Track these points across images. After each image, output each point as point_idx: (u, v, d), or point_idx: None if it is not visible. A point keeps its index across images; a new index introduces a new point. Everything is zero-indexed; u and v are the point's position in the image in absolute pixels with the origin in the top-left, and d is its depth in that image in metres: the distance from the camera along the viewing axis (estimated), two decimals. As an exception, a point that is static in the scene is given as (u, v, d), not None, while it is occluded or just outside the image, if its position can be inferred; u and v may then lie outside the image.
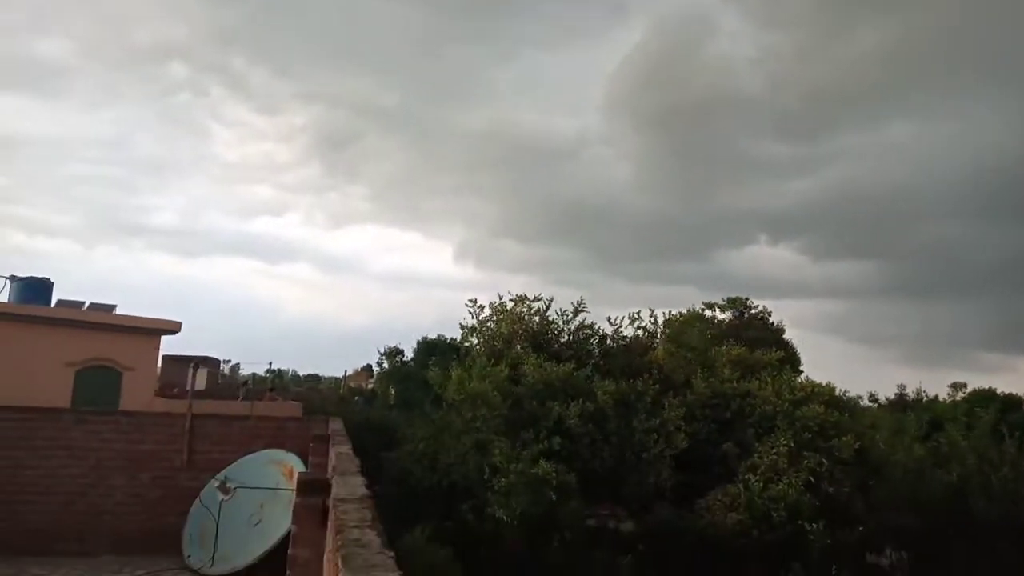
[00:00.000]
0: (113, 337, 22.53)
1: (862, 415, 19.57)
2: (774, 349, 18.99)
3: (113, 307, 24.45)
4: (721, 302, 28.88)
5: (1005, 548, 12.93)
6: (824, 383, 15.15)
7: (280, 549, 8.46)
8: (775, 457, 13.05)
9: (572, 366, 13.79)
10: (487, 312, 15.53)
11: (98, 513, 10.84)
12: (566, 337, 15.45)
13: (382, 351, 32.55)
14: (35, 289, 23.60)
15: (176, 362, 27.55)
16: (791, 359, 22.85)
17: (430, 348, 27.71)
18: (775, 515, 12.21)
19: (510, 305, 15.37)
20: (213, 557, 9.99)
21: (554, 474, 11.45)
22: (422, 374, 20.42)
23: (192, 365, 15.51)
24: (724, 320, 27.98)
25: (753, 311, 28.71)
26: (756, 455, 13.34)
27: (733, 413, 14.37)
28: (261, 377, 34.71)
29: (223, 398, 24.27)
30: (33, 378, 19.38)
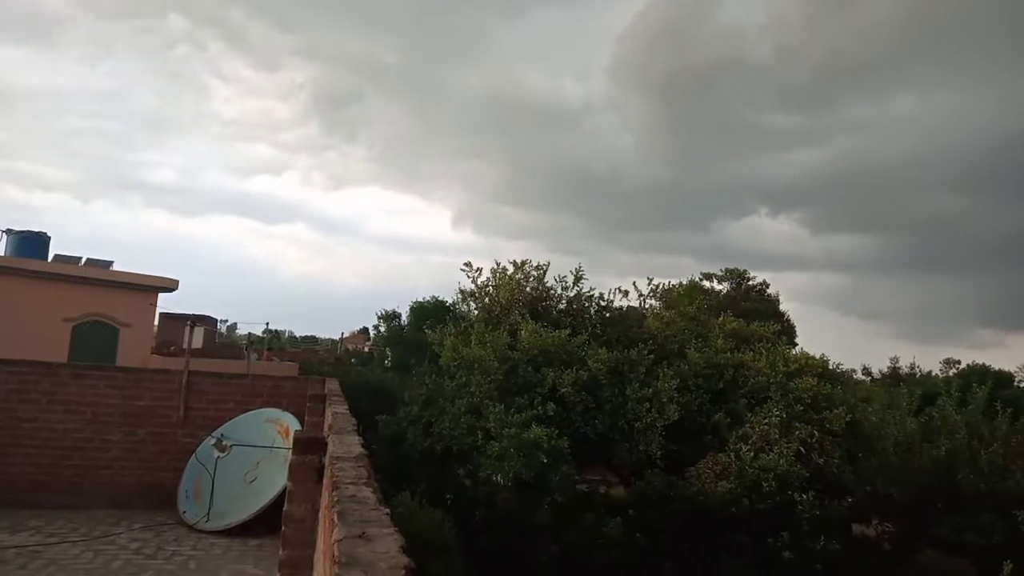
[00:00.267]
0: (110, 293, 22.57)
1: (855, 388, 19.69)
2: (772, 322, 19.06)
3: (110, 263, 24.46)
4: (719, 273, 28.93)
5: (991, 521, 13.11)
6: (818, 356, 15.25)
7: (275, 506, 8.55)
8: (766, 427, 13.16)
9: (568, 333, 13.81)
10: (486, 276, 15.49)
11: (95, 467, 10.92)
12: (564, 304, 15.45)
13: (380, 314, 32.60)
14: (32, 243, 23.55)
15: (173, 320, 27.60)
16: (787, 332, 22.95)
17: (425, 312, 27.71)
18: (765, 484, 12.35)
19: (510, 271, 15.32)
20: (209, 513, 10.10)
21: (546, 438, 11.54)
22: (418, 337, 20.47)
23: (189, 323, 15.51)
24: (721, 291, 28.04)
25: (751, 283, 28.77)
26: (748, 425, 13.45)
27: (726, 383, 14.45)
28: (258, 337, 34.77)
29: (221, 357, 24.35)
30: (30, 332, 19.43)
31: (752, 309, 24.36)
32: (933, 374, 32.68)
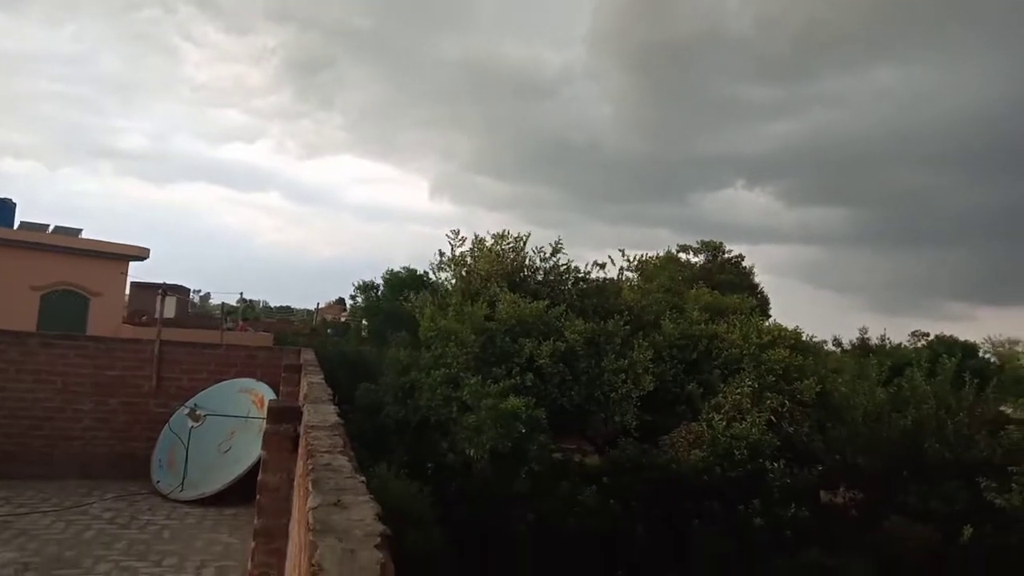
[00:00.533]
0: (79, 261, 22.13)
1: (826, 359, 20.02)
2: (746, 294, 19.24)
3: (79, 231, 23.95)
4: (695, 245, 29.06)
5: (955, 489, 13.48)
6: (791, 328, 15.46)
7: (250, 476, 8.50)
8: (739, 397, 13.35)
9: (546, 303, 13.83)
10: (467, 246, 15.40)
11: (65, 437, 10.77)
12: (542, 276, 15.45)
13: (357, 284, 32.38)
14: (-4, 210, 22.95)
15: (144, 289, 27.21)
16: (761, 304, 23.19)
17: (400, 283, 27.53)
18: (737, 453, 12.56)
19: (489, 242, 15.25)
20: (183, 483, 10.03)
21: (524, 409, 11.59)
22: (395, 307, 20.37)
23: (160, 292, 15.26)
24: (697, 263, 28.20)
25: (726, 255, 28.95)
26: (721, 395, 13.64)
27: (700, 354, 14.61)
28: (232, 307, 34.40)
29: (194, 327, 24.08)
30: (-4, 301, 19.01)
31: (727, 281, 24.57)
32: (902, 346, 33.22)
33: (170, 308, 23.43)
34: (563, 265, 15.56)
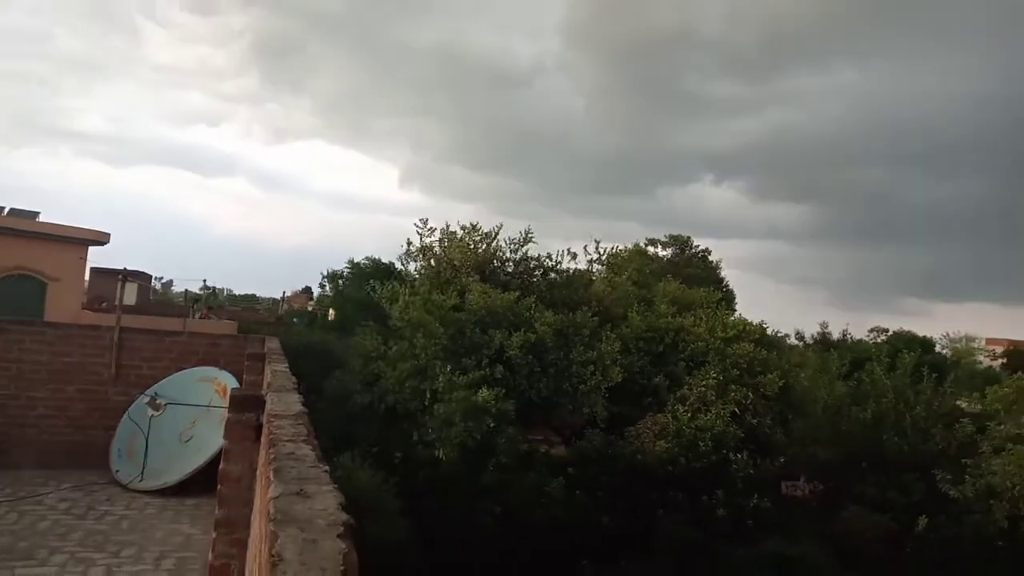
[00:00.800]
0: (36, 246, 21.53)
1: (789, 353, 20.35)
2: (712, 288, 19.45)
3: (36, 214, 23.31)
4: (664, 239, 29.29)
5: (912, 481, 13.82)
6: (756, 322, 15.67)
7: (212, 466, 8.36)
8: (704, 390, 13.52)
9: (516, 295, 13.81)
10: (436, 236, 15.27)
11: (20, 425, 10.49)
12: (512, 267, 15.42)
13: (325, 274, 32.03)
14: (-51, 191, 22.21)
15: (105, 275, 26.59)
16: (727, 298, 23.48)
17: (364, 273, 27.21)
18: (701, 444, 12.72)
19: (460, 233, 15.15)
20: (143, 472, 9.84)
21: (494, 402, 11.58)
22: (360, 296, 20.19)
23: (120, 277, 14.91)
24: (665, 257, 28.44)
25: (693, 250, 29.24)
26: (686, 387, 13.80)
27: (666, 347, 14.74)
28: (195, 294, 33.78)
29: (157, 314, 23.62)
30: (-52, 285, 18.43)
31: (694, 275, 24.82)
32: (863, 341, 33.86)
33: (131, 294, 22.93)
34: (533, 256, 15.54)
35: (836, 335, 34.27)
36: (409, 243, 15.42)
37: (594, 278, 16.76)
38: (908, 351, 16.70)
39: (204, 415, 10.15)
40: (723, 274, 29.46)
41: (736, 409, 13.33)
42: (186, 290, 35.44)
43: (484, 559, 11.48)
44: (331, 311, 31.91)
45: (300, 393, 5.48)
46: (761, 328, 15.48)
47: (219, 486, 4.93)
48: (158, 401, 10.51)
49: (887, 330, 37.12)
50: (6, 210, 22.95)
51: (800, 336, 35.24)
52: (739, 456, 12.77)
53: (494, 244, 15.15)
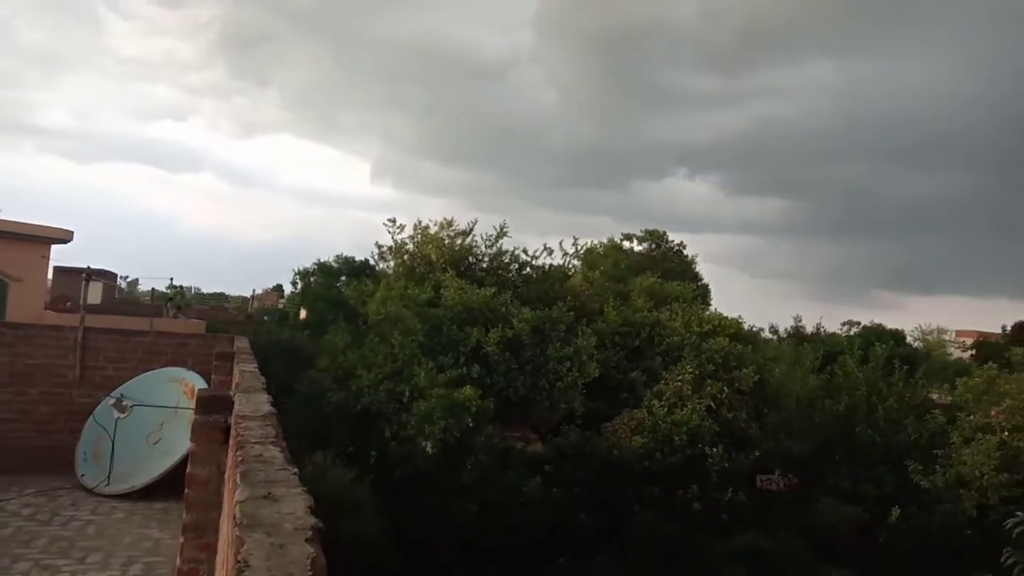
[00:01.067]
0: (-4, 244, 20.93)
1: (764, 347, 20.50)
2: (687, 282, 19.51)
3: (-4, 212, 22.66)
4: (639, 234, 29.29)
5: (885, 471, 13.98)
6: (731, 317, 15.73)
7: (180, 469, 8.14)
8: (680, 384, 13.54)
9: (493, 291, 13.72)
10: (408, 232, 15.15)
11: (-20, 429, 10.17)
12: (487, 262, 15.33)
13: (296, 271, 31.51)
14: (-96, 189, 21.55)
15: (68, 274, 25.96)
16: (702, 293, 23.57)
17: (333, 272, 26.77)
18: (677, 439, 12.74)
19: (433, 229, 15.03)
20: (109, 476, 9.58)
21: (474, 399, 11.49)
22: (332, 294, 19.93)
23: (84, 276, 14.55)
24: (640, 252, 28.44)
25: (669, 245, 29.28)
26: (662, 382, 13.80)
27: (642, 342, 14.75)
28: (161, 293, 33.11)
29: (123, 314, 23.12)
30: (-96, 286, 17.86)
31: (670, 270, 24.87)
32: (836, 334, 34.20)
33: (95, 293, 22.44)
34: (508, 251, 15.47)
35: (810, 328, 34.55)
36: (379, 245, 15.38)
37: (570, 273, 16.72)
38: (880, 344, 16.87)
39: (172, 417, 9.92)
40: (699, 269, 29.57)
41: (712, 403, 13.37)
42: (152, 289, 34.68)
43: (462, 557, 11.38)
44: (302, 310, 31.47)
45: (270, 393, 5.35)
46: (737, 323, 15.55)
47: (187, 490, 4.78)
48: (124, 403, 10.24)
49: (859, 323, 37.54)
50: (-35, 208, 22.30)
51: (774, 330, 35.50)
52: (714, 450, 12.81)
53: (469, 239, 15.06)
